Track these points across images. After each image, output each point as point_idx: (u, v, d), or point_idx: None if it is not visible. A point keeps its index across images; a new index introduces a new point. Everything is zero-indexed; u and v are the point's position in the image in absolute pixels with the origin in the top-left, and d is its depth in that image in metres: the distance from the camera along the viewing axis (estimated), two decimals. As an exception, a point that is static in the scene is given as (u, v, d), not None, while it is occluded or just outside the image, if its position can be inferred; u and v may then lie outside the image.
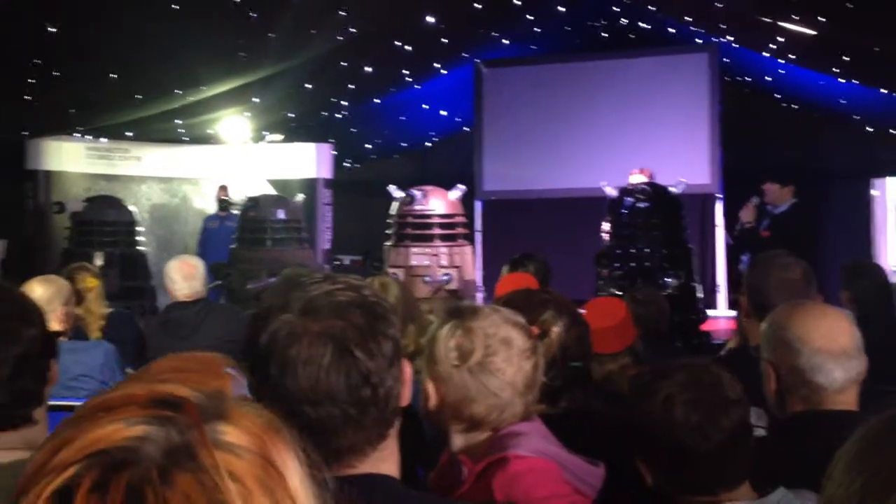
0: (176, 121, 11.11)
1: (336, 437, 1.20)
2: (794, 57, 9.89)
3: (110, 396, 0.61)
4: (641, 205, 7.13)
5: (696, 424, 1.71)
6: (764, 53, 10.29)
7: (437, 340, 1.67)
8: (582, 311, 2.63)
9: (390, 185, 7.60)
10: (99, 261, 8.27)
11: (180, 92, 9.85)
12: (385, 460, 1.26)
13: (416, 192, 7.41)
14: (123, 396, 0.60)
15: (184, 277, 5.04)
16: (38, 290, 3.92)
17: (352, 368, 1.18)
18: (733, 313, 10.31)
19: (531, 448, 1.60)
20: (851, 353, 2.09)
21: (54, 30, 7.69)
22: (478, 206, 12.75)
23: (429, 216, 7.45)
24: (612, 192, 7.45)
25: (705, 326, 7.21)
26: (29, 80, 8.72)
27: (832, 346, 2.08)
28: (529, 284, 4.07)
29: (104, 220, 9.09)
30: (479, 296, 9.04)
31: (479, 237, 12.35)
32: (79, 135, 11.48)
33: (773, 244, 6.50)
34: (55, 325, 3.94)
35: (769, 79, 11.73)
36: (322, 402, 1.17)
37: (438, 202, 7.49)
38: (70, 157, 11.64)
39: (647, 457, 1.80)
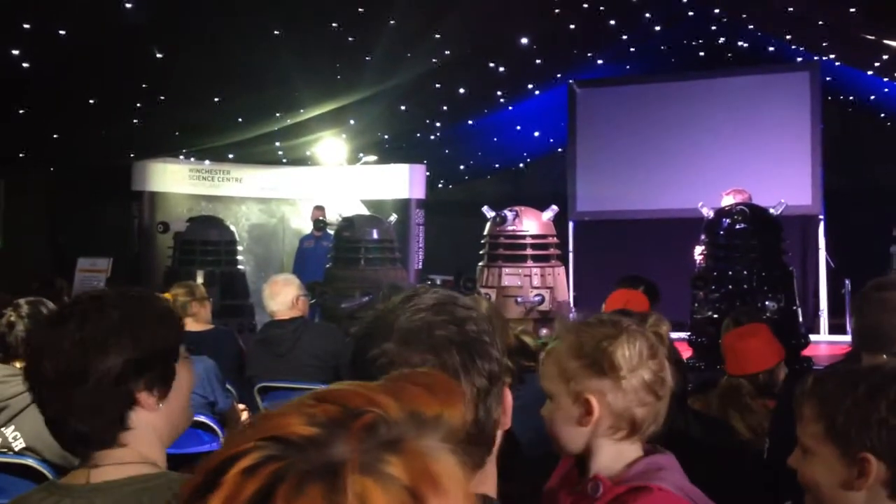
0: (275, 143, 11.41)
1: None
2: (900, 74, 9.60)
3: (332, 389, 0.65)
4: (739, 226, 6.98)
5: None
6: (868, 72, 10.00)
7: (614, 351, 1.69)
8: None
9: (484, 206, 7.63)
10: (200, 279, 8.51)
11: (280, 114, 10.12)
12: (483, 483, 1.26)
13: (509, 213, 7.41)
14: (336, 394, 0.64)
15: (281, 296, 5.15)
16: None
17: None
18: (836, 338, 9.99)
19: (675, 484, 1.62)
20: None
21: (161, 56, 8.00)
22: (570, 226, 12.68)
23: (521, 237, 7.44)
24: (708, 213, 7.30)
25: (807, 351, 7.00)
26: (137, 105, 9.08)
27: None
28: (638, 300, 4.04)
29: (206, 240, 9.34)
30: (571, 317, 8.97)
31: (571, 258, 12.28)
32: (183, 157, 11.89)
33: None
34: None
35: (873, 97, 11.38)
36: None
37: (531, 223, 7.48)
38: (174, 179, 12.06)
39: (888, 453, 1.65)
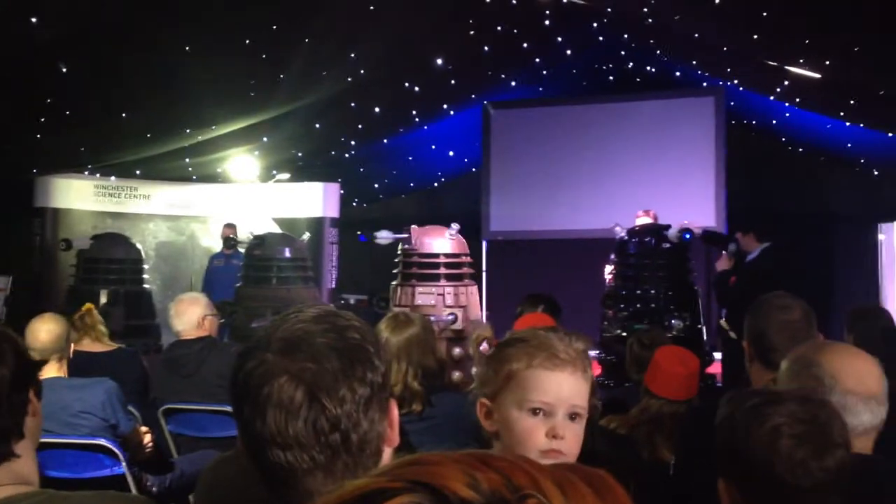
0: (185, 159, 11.18)
1: (306, 481, 1.16)
2: (800, 100, 9.93)
3: (496, 456, 0.60)
4: (647, 247, 7.13)
5: (799, 460, 1.63)
6: (770, 97, 10.34)
7: None
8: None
9: (382, 231, 7.52)
10: (104, 298, 8.27)
11: (190, 131, 9.93)
12: None
13: (405, 234, 7.37)
14: (501, 464, 0.59)
15: (187, 315, 5.04)
16: (50, 326, 3.93)
17: (320, 415, 1.14)
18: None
19: None
20: (880, 398, 2.06)
21: (66, 70, 7.77)
22: (484, 245, 12.75)
23: (435, 255, 7.43)
24: (621, 232, 7.44)
25: (710, 369, 7.16)
26: (40, 119, 8.80)
27: (862, 388, 2.04)
28: (544, 321, 4.10)
29: (110, 258, 9.08)
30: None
31: (484, 277, 12.35)
32: (87, 173, 11.56)
33: (740, 292, 6.51)
34: (62, 363, 3.96)
35: (775, 122, 11.77)
36: (291, 447, 1.14)
37: (443, 242, 7.48)
38: (78, 195, 11.71)
39: (736, 481, 1.71)
